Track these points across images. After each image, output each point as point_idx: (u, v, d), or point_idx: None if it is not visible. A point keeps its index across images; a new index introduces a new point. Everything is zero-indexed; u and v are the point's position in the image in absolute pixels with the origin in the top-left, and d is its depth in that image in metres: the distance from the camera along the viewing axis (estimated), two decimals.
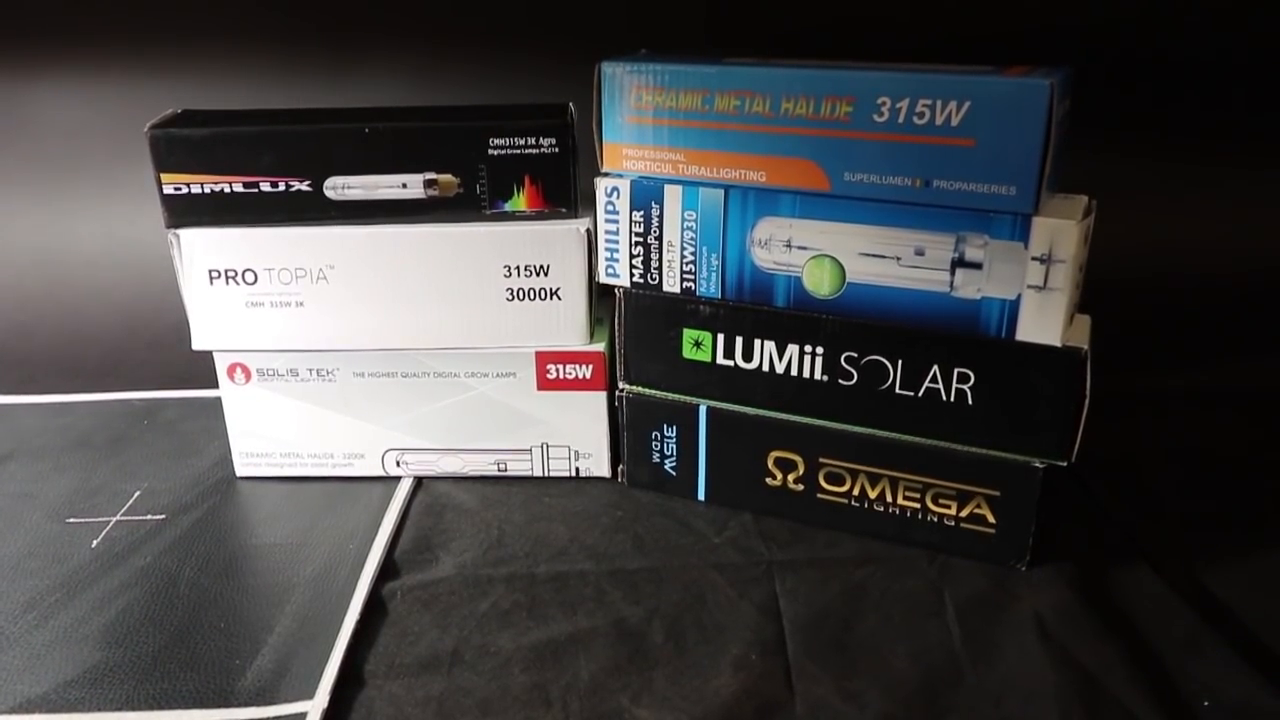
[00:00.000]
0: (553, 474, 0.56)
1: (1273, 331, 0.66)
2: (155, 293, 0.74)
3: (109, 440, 0.62)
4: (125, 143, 0.77)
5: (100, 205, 0.76)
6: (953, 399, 0.47)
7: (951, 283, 0.45)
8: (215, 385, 0.65)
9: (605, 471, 0.56)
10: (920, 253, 0.45)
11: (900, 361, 0.47)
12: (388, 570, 0.49)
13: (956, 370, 0.46)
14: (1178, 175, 0.69)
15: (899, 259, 0.45)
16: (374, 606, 0.46)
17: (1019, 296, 0.44)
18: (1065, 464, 0.45)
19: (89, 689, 0.41)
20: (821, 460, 0.50)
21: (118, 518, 0.54)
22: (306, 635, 0.44)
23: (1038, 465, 0.46)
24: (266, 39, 0.74)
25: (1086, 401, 0.44)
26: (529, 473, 0.56)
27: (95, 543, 0.52)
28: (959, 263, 0.44)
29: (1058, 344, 0.44)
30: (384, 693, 0.41)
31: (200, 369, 0.67)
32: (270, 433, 0.56)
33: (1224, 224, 0.68)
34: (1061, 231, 0.42)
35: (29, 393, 0.68)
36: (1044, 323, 0.44)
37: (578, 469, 0.56)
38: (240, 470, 0.57)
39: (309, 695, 0.40)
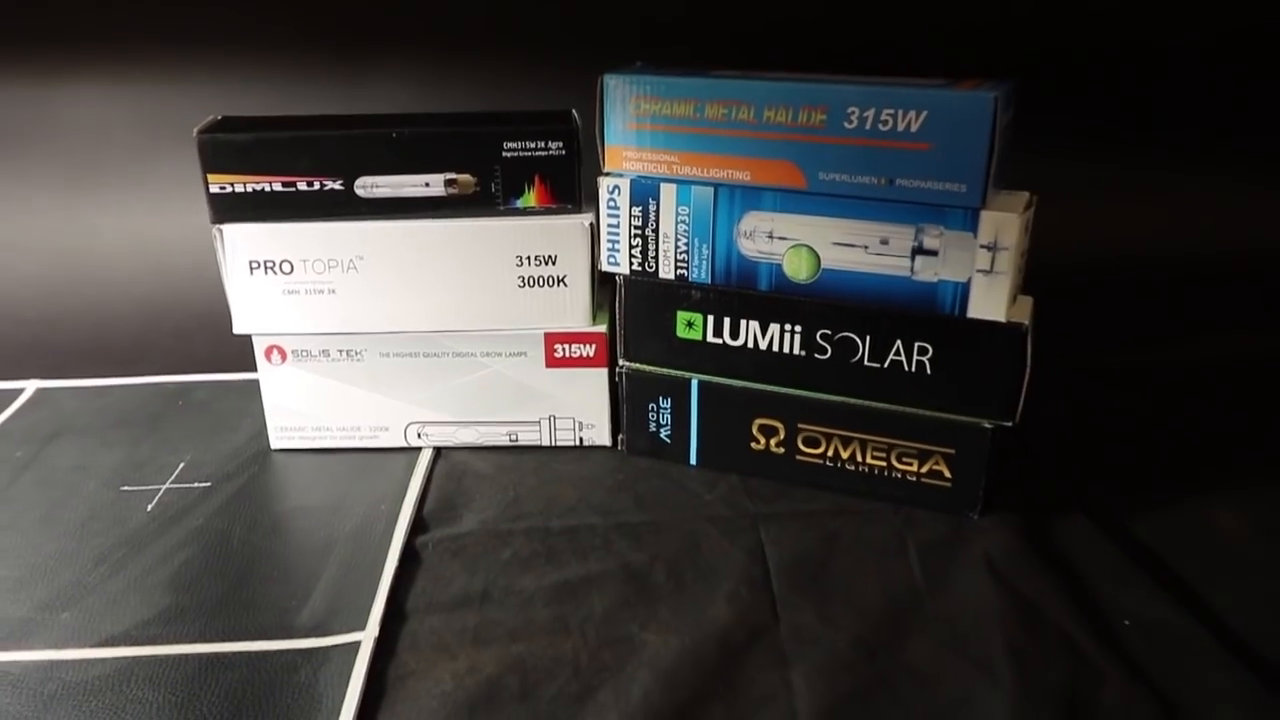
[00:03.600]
0: (560, 443, 0.63)
1: (1196, 313, 0.74)
2: (177, 283, 0.79)
3: (148, 419, 0.67)
4: (147, 143, 0.82)
5: (123, 202, 0.81)
6: (913, 369, 0.53)
7: (912, 268, 0.52)
8: (241, 369, 0.71)
9: (607, 440, 0.63)
10: (885, 242, 0.52)
11: (868, 337, 0.54)
12: (418, 526, 0.55)
13: (916, 344, 0.53)
14: (1113, 176, 0.76)
15: (867, 247, 0.52)
16: (409, 556, 0.52)
17: (969, 279, 0.51)
18: (1010, 424, 0.52)
19: (164, 627, 0.47)
20: (800, 426, 0.57)
21: (167, 485, 0.59)
22: (352, 581, 0.50)
23: (987, 426, 0.53)
24: (285, 48, 0.80)
25: (1028, 370, 0.51)
26: (538, 442, 0.63)
27: (150, 507, 0.57)
28: (918, 250, 0.51)
29: (1003, 320, 0.51)
30: (425, 625, 0.47)
31: (225, 354, 0.73)
32: (303, 408, 0.62)
33: (1155, 219, 0.76)
34: (1005, 223, 0.49)
35: (64, 378, 0.73)
36: (990, 302, 0.51)
37: (582, 438, 0.63)
38: (275, 443, 0.63)
39: (360, 627, 0.46)
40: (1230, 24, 0.76)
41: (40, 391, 0.71)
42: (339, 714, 0.41)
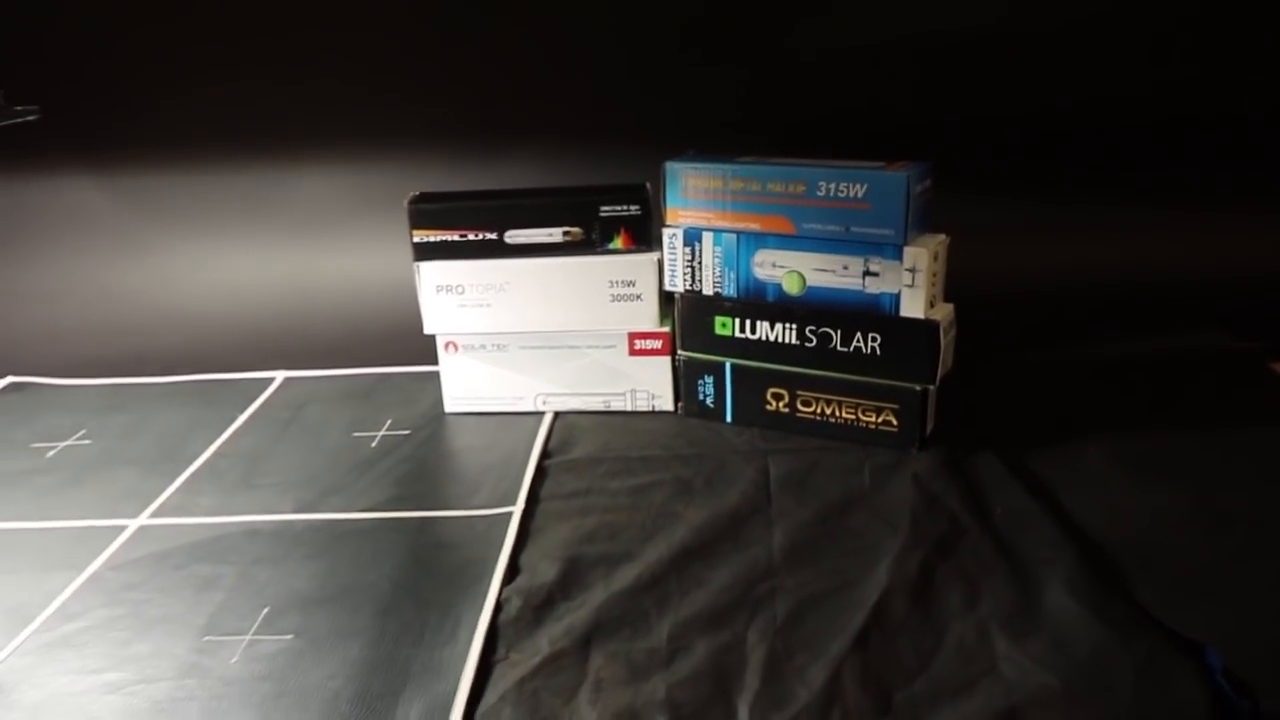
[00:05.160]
0: (637, 408, 0.91)
1: (1085, 320, 0.99)
2: (373, 303, 1.12)
3: (363, 394, 0.99)
4: (351, 209, 1.15)
5: (336, 249, 1.14)
6: (869, 352, 0.80)
7: (863, 284, 0.79)
8: (421, 363, 1.02)
9: (669, 406, 0.91)
10: (846, 268, 0.79)
11: (839, 331, 0.81)
12: (544, 455, 0.84)
13: (870, 334, 0.80)
14: (1024, 215, 1.01)
15: (835, 271, 0.80)
16: (539, 471, 0.81)
17: (899, 291, 0.77)
18: (933, 386, 0.78)
19: (396, 503, 0.78)
20: (798, 392, 0.84)
21: (382, 433, 0.91)
22: (504, 484, 0.80)
23: (918, 389, 0.79)
24: (447, 140, 1.12)
25: (941, 350, 0.77)
26: (623, 408, 0.91)
27: (373, 444, 0.88)
28: (867, 273, 0.78)
29: (923, 317, 0.77)
30: (551, 505, 0.76)
31: (409, 353, 1.04)
32: (468, 384, 0.92)
33: (1059, 248, 1.00)
34: (918, 255, 0.76)
35: (303, 369, 1.05)
36: (914, 306, 0.77)
37: (653, 405, 0.91)
38: (449, 408, 0.93)
39: (512, 504, 0.76)
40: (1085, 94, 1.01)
41: (287, 379, 1.04)
42: (502, 547, 0.71)
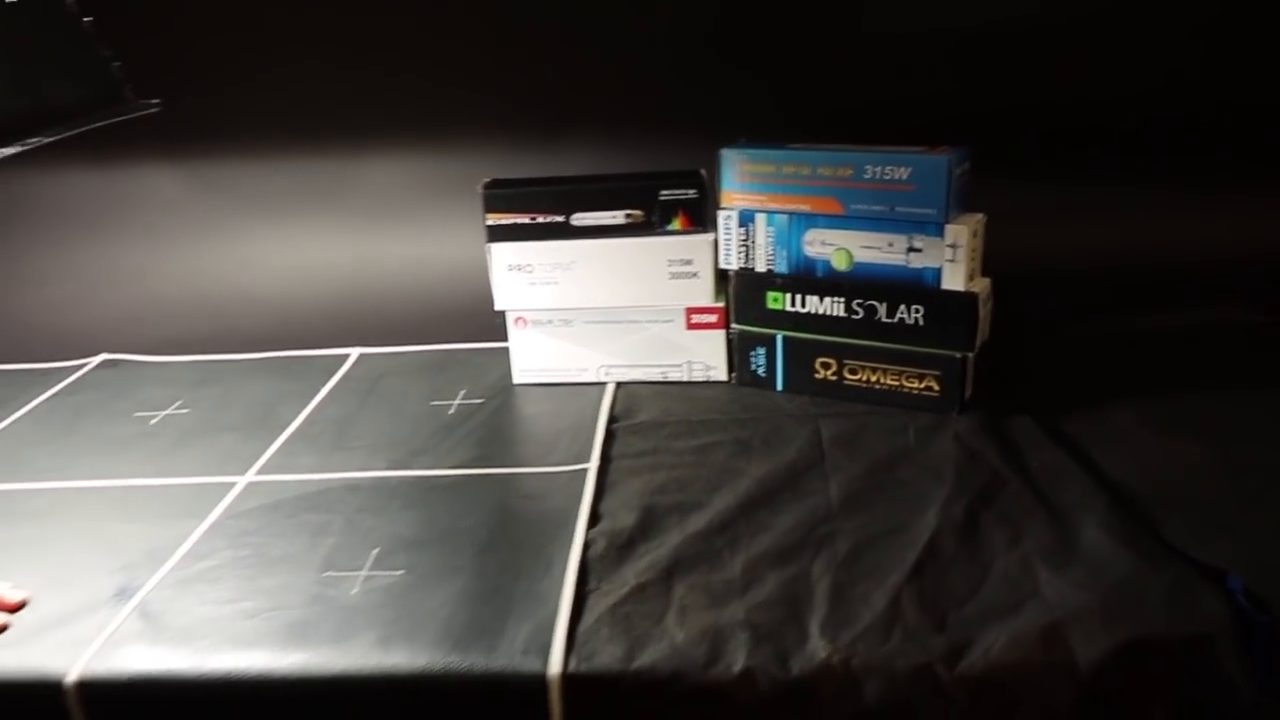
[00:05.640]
0: (693, 379, 0.98)
1: (1111, 296, 1.06)
2: (440, 282, 1.19)
3: (436, 368, 1.06)
4: (417, 195, 1.22)
5: (403, 233, 1.22)
6: (913, 322, 0.87)
7: (907, 260, 0.85)
8: (485, 340, 1.09)
9: (724, 376, 0.98)
10: (891, 245, 0.86)
11: (885, 303, 0.88)
12: (611, 420, 0.91)
13: (913, 306, 0.86)
14: (1056, 199, 1.08)
15: (881, 248, 0.86)
16: (609, 434, 0.88)
17: (941, 266, 0.84)
18: (971, 354, 0.85)
19: (479, 462, 0.85)
20: (845, 361, 0.91)
21: (458, 401, 0.98)
22: (577, 445, 0.87)
23: (958, 356, 0.86)
24: (498, 130, 1.19)
25: (979, 321, 0.84)
26: (681, 378, 0.98)
27: (451, 412, 0.96)
28: (911, 249, 0.85)
29: (963, 289, 0.84)
30: (622, 463, 0.83)
31: (473, 330, 1.11)
32: (536, 356, 0.99)
33: (1087, 230, 1.07)
34: (959, 232, 0.82)
35: (375, 346, 1.13)
36: (954, 279, 0.84)
37: (707, 375, 0.98)
38: (517, 379, 1.01)
39: (587, 461, 0.83)
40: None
41: (361, 355, 1.11)
42: (582, 498, 0.78)
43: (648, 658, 0.59)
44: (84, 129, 0.74)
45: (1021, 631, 0.58)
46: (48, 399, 1.04)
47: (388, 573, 0.70)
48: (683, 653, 0.59)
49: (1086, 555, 0.65)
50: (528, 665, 0.59)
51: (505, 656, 0.60)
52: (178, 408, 1.00)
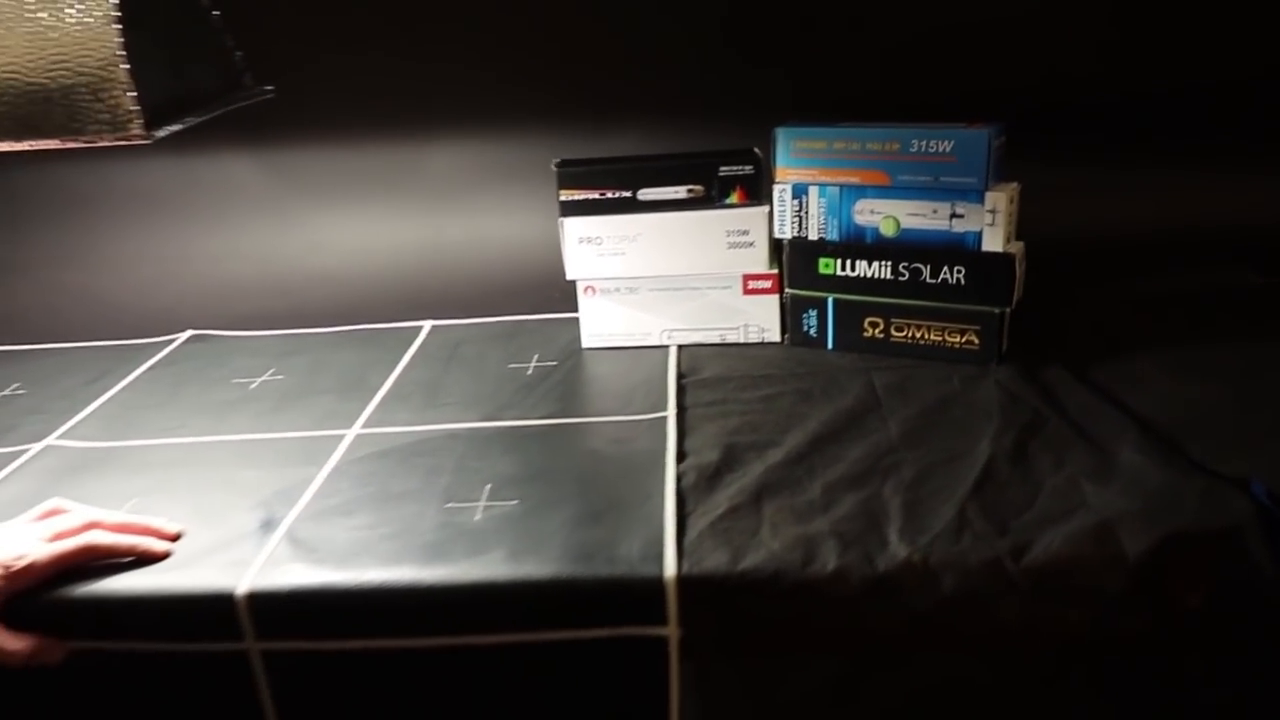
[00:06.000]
0: (749, 340, 1.07)
1: (1130, 261, 1.15)
2: (504, 259, 1.27)
3: (503, 336, 1.14)
4: (480, 179, 1.31)
5: (466, 213, 1.30)
6: (955, 283, 0.96)
7: (950, 225, 0.94)
8: (548, 311, 1.18)
9: (777, 338, 1.07)
10: (935, 212, 0.95)
11: (928, 265, 0.97)
12: (679, 377, 1.00)
13: (955, 267, 0.95)
14: (1078, 173, 1.17)
15: (926, 215, 0.95)
16: (680, 389, 0.97)
17: (981, 230, 0.93)
18: (1009, 309, 0.94)
19: (565, 414, 0.93)
20: (891, 319, 1.00)
21: (534, 364, 1.06)
22: (652, 397, 0.95)
23: (996, 311, 0.95)
24: (553, 118, 1.27)
25: (1017, 278, 0.93)
26: (738, 340, 1.07)
27: (529, 373, 1.04)
28: (953, 215, 0.94)
29: (1001, 251, 0.93)
30: (696, 411, 0.92)
31: (539, 303, 1.20)
32: (604, 322, 1.08)
33: (1107, 202, 1.17)
34: (998, 198, 0.91)
35: (447, 319, 1.21)
36: (993, 241, 0.93)
37: (762, 337, 1.07)
38: (586, 344, 1.09)
39: (664, 410, 0.92)
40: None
41: (434, 326, 1.20)
42: (666, 439, 0.86)
43: (750, 561, 0.68)
44: (219, 112, 0.82)
45: (1075, 531, 0.67)
46: (147, 369, 1.12)
47: (503, 503, 0.78)
48: (780, 557, 0.68)
49: (1125, 472, 0.74)
50: (646, 570, 0.68)
51: (625, 564, 0.69)
52: (271, 375, 1.08)
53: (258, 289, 1.28)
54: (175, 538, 0.76)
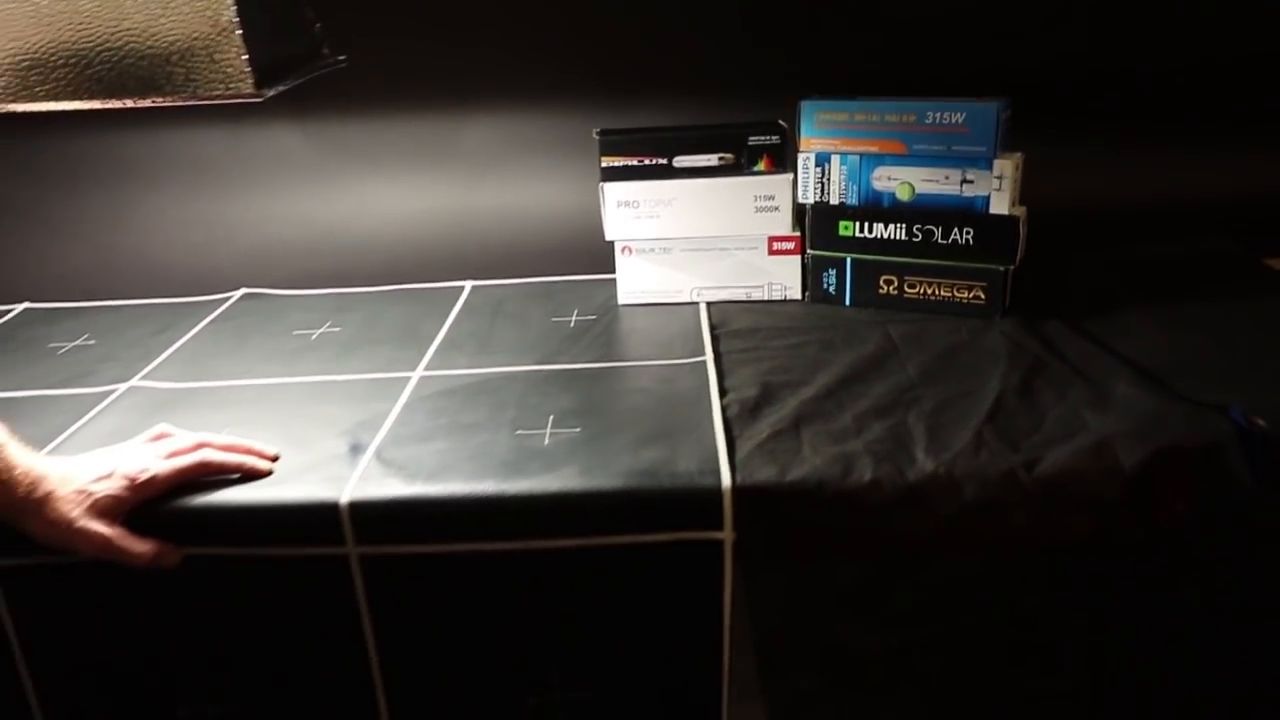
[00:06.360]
0: (772, 297, 1.16)
1: (1119, 229, 1.26)
2: (537, 227, 1.36)
3: (542, 294, 1.23)
4: (514, 153, 1.39)
5: (501, 184, 1.38)
6: (964, 243, 1.06)
7: (961, 190, 1.04)
8: (595, 272, 1.26)
9: (798, 295, 1.16)
10: (948, 178, 1.04)
11: (940, 227, 1.06)
12: (712, 328, 1.09)
13: (964, 229, 1.05)
14: (1088, 144, 1.28)
15: (939, 181, 1.05)
16: (714, 338, 1.06)
17: (989, 195, 1.03)
18: (1013, 266, 1.04)
19: (610, 359, 1.02)
20: (905, 276, 1.10)
21: (575, 318, 1.15)
22: (690, 345, 1.04)
23: (1001, 269, 1.05)
24: (578, 91, 1.35)
25: (1021, 239, 1.03)
26: (763, 297, 1.16)
27: (571, 326, 1.13)
28: (964, 181, 1.04)
29: (1006, 213, 1.03)
30: (731, 357, 1.01)
31: (582, 263, 1.28)
32: (639, 280, 1.17)
33: (1099, 174, 1.27)
34: (1006, 166, 1.01)
35: (489, 279, 1.29)
36: (1000, 205, 1.03)
37: (784, 295, 1.16)
38: (622, 300, 1.18)
39: (703, 355, 1.01)
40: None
41: (475, 286, 1.28)
42: (707, 379, 0.95)
43: (796, 474, 0.77)
44: (307, 78, 0.90)
45: (1079, 447, 0.77)
46: (209, 323, 1.20)
47: (568, 430, 0.87)
48: (822, 470, 0.77)
49: (1120, 402, 0.84)
50: (704, 481, 0.77)
51: (685, 477, 0.78)
52: (329, 327, 1.17)
53: (303, 251, 1.35)
54: (275, 458, 0.84)
